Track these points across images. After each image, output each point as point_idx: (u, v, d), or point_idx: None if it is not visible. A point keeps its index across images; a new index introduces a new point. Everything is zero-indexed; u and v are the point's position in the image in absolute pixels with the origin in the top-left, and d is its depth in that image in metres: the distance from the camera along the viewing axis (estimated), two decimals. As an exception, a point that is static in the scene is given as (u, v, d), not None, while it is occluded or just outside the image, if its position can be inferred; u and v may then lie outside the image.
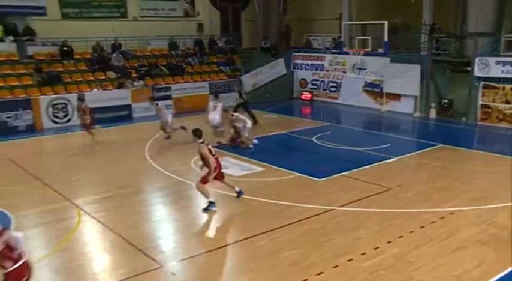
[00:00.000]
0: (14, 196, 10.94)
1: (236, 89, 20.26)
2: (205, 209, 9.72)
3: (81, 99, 16.78)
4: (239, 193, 10.27)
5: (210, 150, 9.74)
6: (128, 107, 20.87)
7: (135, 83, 21.85)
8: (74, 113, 19.52)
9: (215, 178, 9.85)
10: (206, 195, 9.82)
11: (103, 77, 21.93)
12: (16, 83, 19.77)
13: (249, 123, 15.04)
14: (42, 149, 15.25)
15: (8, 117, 18.06)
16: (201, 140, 9.77)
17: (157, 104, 16.82)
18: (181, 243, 8.51)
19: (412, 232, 8.54)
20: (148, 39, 25.00)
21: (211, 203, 9.78)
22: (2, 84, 19.45)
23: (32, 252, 8.18)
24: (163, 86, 22.39)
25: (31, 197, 10.91)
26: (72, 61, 22.13)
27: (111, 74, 22.18)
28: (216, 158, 9.89)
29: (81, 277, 7.32)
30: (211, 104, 15.79)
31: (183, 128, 15.82)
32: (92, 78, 21.71)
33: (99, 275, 7.41)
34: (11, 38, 21.25)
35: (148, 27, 25.02)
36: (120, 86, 21.31)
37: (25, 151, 14.82)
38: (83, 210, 9.94)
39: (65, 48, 22.08)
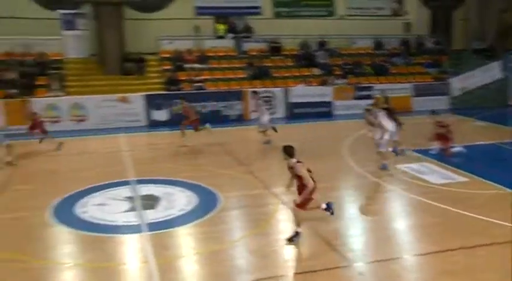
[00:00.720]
0: (221, 178, 12.10)
1: (381, 93, 18.92)
2: (290, 240, 8.18)
3: (182, 98, 16.86)
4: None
5: (308, 169, 8.15)
6: (329, 104, 21.32)
7: (338, 81, 22.20)
8: (277, 106, 20.77)
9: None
10: (298, 223, 8.28)
11: (308, 73, 22.78)
12: (231, 76, 21.84)
13: (386, 135, 12.79)
14: (248, 138, 16.49)
15: (223, 107, 20.07)
16: (295, 159, 8.17)
17: (258, 99, 16.13)
18: (371, 244, 8.43)
19: None
20: (353, 37, 25.13)
21: (297, 235, 8.23)
22: (220, 77, 21.72)
23: (232, 231, 9.04)
24: (366, 85, 22.30)
25: (236, 181, 11.93)
26: (280, 57, 23.49)
27: (316, 71, 22.91)
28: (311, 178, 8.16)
29: (273, 262, 7.73)
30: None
31: (274, 128, 15.59)
32: (297, 73, 22.74)
33: (289, 263, 7.76)
34: (231, 35, 23.55)
35: (354, 26, 25.18)
36: (323, 83, 21.89)
37: (234, 138, 16.22)
38: (280, 199, 10.51)
39: (274, 45, 23.55)
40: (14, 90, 19.26)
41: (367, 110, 13.34)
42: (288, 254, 8.10)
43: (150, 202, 10.34)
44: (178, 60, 22.22)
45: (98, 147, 16.41)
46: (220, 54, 23.14)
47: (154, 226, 8.99)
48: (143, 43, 22.42)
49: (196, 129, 15.74)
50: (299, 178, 8.09)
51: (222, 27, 24.16)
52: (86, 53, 22.29)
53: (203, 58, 22.55)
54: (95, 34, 22.17)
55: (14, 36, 20.34)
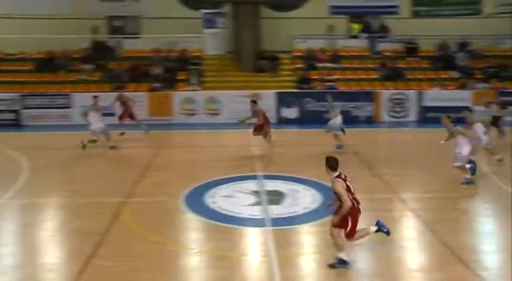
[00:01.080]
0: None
1: (494, 101, 16.62)
2: (332, 266, 7.31)
3: (254, 101, 15.96)
4: (380, 229, 7.69)
5: (348, 187, 7.26)
6: (467, 109, 19.92)
7: (478, 85, 20.71)
8: (409, 109, 19.95)
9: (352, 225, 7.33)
10: (340, 247, 7.32)
11: (445, 76, 21.56)
12: (363, 76, 21.47)
13: (464, 149, 11.59)
14: (377, 140, 16.05)
15: (352, 107, 19.80)
16: (336, 173, 7.36)
17: (333, 101, 15.48)
18: (510, 264, 7.73)
19: None
20: (501, 38, 23.16)
21: (341, 262, 7.29)
22: (352, 77, 21.49)
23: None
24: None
25: (361, 183, 11.51)
26: (416, 58, 22.52)
27: (454, 74, 21.60)
28: (355, 199, 7.30)
29: (396, 269, 7.50)
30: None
31: (342, 130, 14.92)
32: (433, 76, 21.63)
33: (414, 273, 7.44)
34: (365, 35, 23.15)
35: (502, 25, 23.08)
36: (462, 87, 20.56)
37: (362, 140, 15.91)
38: (408, 205, 10.10)
39: (410, 46, 22.64)
40: (157, 84, 20.87)
41: (448, 117, 12.23)
42: (413, 263, 7.79)
43: (276, 197, 10.57)
44: (311, 59, 22.37)
45: (229, 140, 17.19)
46: (353, 54, 22.82)
47: (277, 222, 9.18)
48: (277, 41, 22.91)
49: (260, 131, 15.01)
50: (336, 195, 7.21)
51: (356, 27, 23.83)
52: (222, 50, 23.39)
53: (336, 57, 22.43)
54: (232, 32, 23.16)
55: (161, 35, 22.00)
